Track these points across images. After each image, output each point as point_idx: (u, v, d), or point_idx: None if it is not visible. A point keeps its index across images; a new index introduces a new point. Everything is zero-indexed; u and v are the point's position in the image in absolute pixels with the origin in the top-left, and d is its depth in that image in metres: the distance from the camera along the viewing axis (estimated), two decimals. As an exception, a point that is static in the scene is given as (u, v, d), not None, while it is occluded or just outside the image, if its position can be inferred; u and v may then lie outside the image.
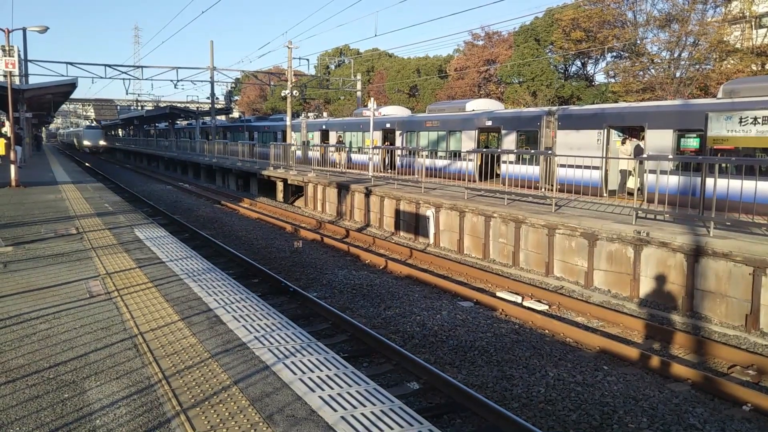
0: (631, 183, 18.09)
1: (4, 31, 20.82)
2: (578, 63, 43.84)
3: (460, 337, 9.29)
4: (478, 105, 27.18)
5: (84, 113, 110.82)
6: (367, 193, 20.23)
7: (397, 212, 18.59)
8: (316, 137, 36.73)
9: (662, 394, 7.38)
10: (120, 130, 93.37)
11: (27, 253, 10.04)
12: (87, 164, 50.40)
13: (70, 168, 35.34)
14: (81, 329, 6.28)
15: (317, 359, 5.64)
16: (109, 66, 40.29)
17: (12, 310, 6.89)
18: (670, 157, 14.82)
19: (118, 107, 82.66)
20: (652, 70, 33.61)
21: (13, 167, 21.06)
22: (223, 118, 61.13)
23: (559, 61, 42.97)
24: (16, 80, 30.51)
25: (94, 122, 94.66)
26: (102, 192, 21.04)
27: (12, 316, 6.68)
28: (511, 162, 19.59)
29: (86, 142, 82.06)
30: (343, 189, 22.05)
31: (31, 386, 4.93)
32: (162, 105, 66.97)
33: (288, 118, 35.47)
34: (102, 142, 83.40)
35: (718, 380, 7.60)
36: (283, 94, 37.94)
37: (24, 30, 27.39)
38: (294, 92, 36.33)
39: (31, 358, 5.50)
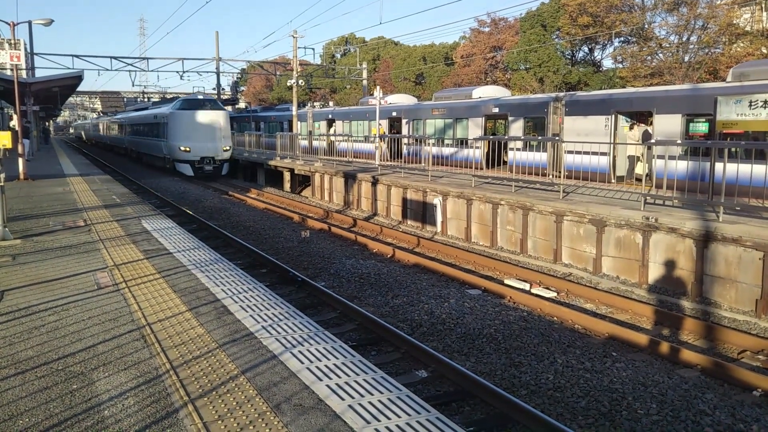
0: (640, 168, 17.97)
1: (9, 24, 20.83)
2: (585, 48, 43.50)
3: (468, 325, 9.27)
4: (484, 92, 27.01)
5: (91, 105, 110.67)
6: (374, 182, 20.19)
7: (404, 201, 18.55)
8: (322, 126, 36.64)
9: (671, 380, 7.35)
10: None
11: (35, 245, 10.09)
12: (94, 156, 50.51)
13: (77, 161, 35.46)
14: (89, 321, 6.30)
15: (325, 348, 5.64)
16: (115, 58, 40.32)
17: (21, 302, 6.92)
18: (679, 141, 14.69)
19: (125, 99, 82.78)
20: (661, 55, 33.30)
21: (21, 160, 21.14)
22: (229, 108, 61.11)
23: (566, 47, 42.65)
24: (23, 73, 30.59)
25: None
26: (110, 184, 21.10)
27: (21, 308, 6.71)
28: (518, 149, 19.46)
29: (185, 149, 31.21)
30: (349, 178, 22.02)
31: (40, 378, 4.95)
32: (168, 96, 67.01)
33: (294, 108, 35.41)
34: (227, 149, 32.00)
35: (728, 366, 7.56)
36: (288, 84, 37.87)
37: (29, 23, 27.40)
38: (300, 82, 36.25)
39: (39, 349, 5.53)
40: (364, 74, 47.89)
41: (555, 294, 10.97)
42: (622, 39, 37.30)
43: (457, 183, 17.68)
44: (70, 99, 70.68)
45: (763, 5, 30.65)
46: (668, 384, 7.25)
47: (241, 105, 72.35)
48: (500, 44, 46.73)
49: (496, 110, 23.73)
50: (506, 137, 21.99)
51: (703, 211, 11.53)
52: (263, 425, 4.17)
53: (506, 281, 11.71)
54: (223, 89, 50.31)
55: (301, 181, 27.87)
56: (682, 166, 14.85)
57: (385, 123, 30.22)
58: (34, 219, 12.71)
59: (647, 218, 11.31)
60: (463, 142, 24.55)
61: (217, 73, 45.85)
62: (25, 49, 35.82)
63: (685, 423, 6.36)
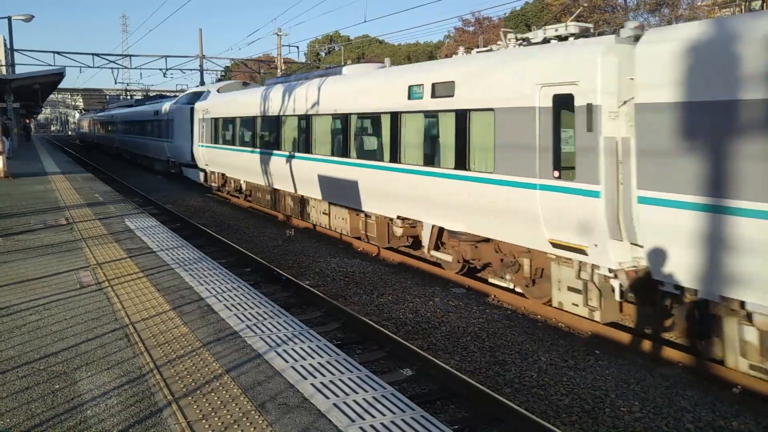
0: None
1: (-11, 20, 20.56)
2: (569, 48, 43.80)
3: (453, 323, 9.31)
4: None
5: (72, 102, 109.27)
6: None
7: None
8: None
9: (653, 378, 7.42)
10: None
11: (16, 244, 9.98)
12: (76, 154, 49.98)
13: (59, 158, 35.09)
14: (71, 320, 6.25)
15: (309, 347, 5.63)
16: (97, 55, 39.98)
17: (1, 301, 6.85)
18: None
19: (107, 97, 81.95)
20: (643, 55, 33.64)
21: (1, 158, 20.89)
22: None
23: (550, 47, 42.96)
24: (2, 70, 30.20)
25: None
26: (92, 182, 20.92)
27: (1, 308, 6.64)
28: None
29: None
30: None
31: (22, 378, 4.90)
32: (152, 94, 66.47)
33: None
34: None
35: (709, 363, 7.64)
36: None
37: (9, 19, 27.10)
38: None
39: (21, 349, 5.48)
40: (349, 73, 47.85)
41: (539, 292, 11.01)
42: (605, 39, 37.62)
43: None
44: (52, 96, 69.72)
45: (743, 6, 31.05)
46: (650, 382, 7.32)
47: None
48: (485, 44, 46.93)
49: None
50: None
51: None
52: (248, 424, 4.16)
53: (490, 279, 11.74)
54: (206, 87, 50.02)
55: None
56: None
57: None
58: (15, 217, 12.57)
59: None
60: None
61: (201, 71, 45.58)
62: (5, 45, 35.36)
63: (666, 420, 6.44)
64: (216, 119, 21.86)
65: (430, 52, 55.14)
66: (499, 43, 10.62)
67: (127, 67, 43.37)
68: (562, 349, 8.37)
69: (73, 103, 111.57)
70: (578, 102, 8.11)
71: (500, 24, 46.11)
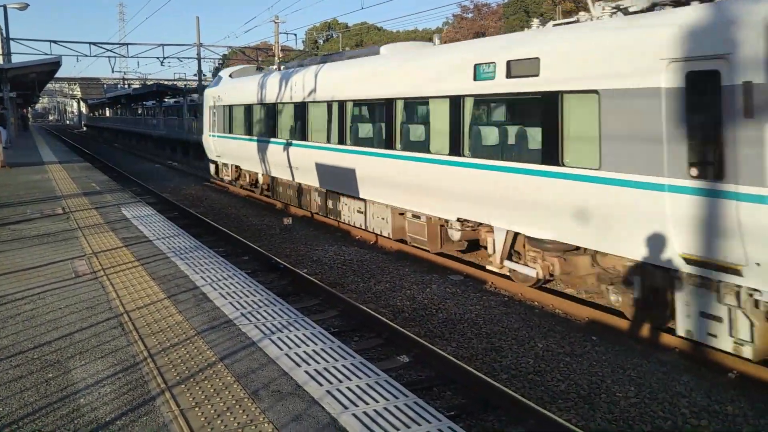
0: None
1: (-17, 8, 20.42)
2: (568, 34, 43.58)
3: (450, 310, 9.30)
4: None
5: (70, 92, 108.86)
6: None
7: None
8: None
9: (650, 364, 7.43)
10: (107, 108, 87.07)
11: (12, 233, 9.96)
12: (73, 143, 49.85)
13: (56, 148, 35.00)
14: (66, 309, 6.24)
15: (304, 334, 5.63)
16: (94, 44, 39.80)
17: (-4, 291, 6.83)
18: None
19: (105, 86, 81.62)
20: (642, 41, 33.44)
21: (-3, 148, 20.83)
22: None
23: (549, 33, 42.75)
24: (-1, 59, 30.02)
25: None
26: (89, 172, 20.87)
27: (-4, 297, 6.62)
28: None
29: None
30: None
31: (15, 367, 4.90)
32: (149, 83, 66.17)
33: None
34: None
35: (704, 348, 7.65)
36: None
37: (4, 7, 26.93)
38: (282, 68, 35.89)
39: (14, 338, 5.47)
40: (347, 60, 47.61)
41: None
42: (604, 25, 37.41)
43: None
44: (49, 85, 69.38)
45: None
46: (646, 367, 7.33)
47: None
48: (483, 30, 46.72)
49: None
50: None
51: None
52: (240, 411, 4.16)
53: (488, 267, 11.73)
54: (204, 75, 49.80)
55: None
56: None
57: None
58: (11, 207, 12.54)
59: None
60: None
61: (198, 59, 45.34)
62: (0, 34, 35.17)
63: (662, 405, 6.44)
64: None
65: (429, 39, 54.93)
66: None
67: (124, 56, 43.24)
68: (558, 335, 8.37)
69: (70, 92, 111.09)
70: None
71: (499, 10, 45.88)
